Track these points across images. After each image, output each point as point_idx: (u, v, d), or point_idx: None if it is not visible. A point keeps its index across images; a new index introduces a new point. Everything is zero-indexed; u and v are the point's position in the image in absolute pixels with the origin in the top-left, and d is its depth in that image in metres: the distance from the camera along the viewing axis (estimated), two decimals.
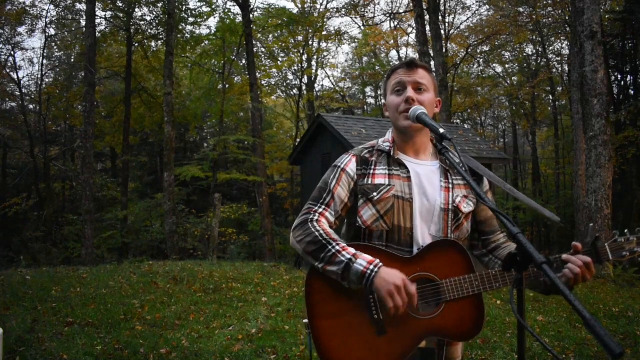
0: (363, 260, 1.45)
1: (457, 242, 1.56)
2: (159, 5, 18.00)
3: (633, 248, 1.53)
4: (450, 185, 1.63)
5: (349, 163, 1.66)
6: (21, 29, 20.96)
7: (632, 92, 17.37)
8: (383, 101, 1.77)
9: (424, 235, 1.59)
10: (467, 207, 1.63)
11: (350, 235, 1.69)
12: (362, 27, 24.30)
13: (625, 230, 1.56)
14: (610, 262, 1.46)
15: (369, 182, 1.61)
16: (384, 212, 1.58)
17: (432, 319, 1.49)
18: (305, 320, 1.59)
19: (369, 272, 1.43)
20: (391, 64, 23.30)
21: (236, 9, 18.67)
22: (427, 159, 1.68)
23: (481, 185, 1.69)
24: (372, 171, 1.63)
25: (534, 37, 22.47)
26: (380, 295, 1.43)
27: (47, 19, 19.58)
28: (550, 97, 24.60)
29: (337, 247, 1.49)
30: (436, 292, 1.50)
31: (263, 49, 21.79)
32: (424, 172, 1.64)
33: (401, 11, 22.86)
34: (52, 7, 20.71)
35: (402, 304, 1.42)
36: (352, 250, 1.49)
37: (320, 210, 1.61)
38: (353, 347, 1.49)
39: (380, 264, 1.45)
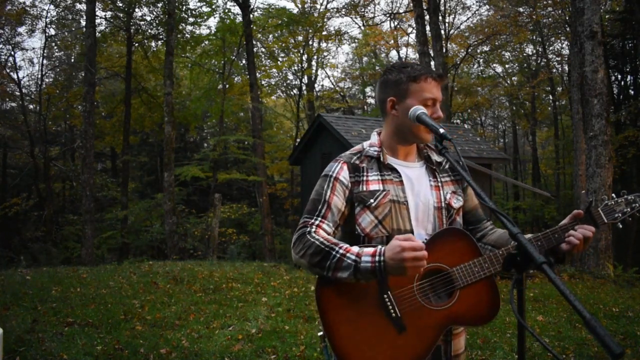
0: (367, 256, 1.42)
1: (459, 228, 1.60)
2: (159, 5, 18.01)
3: (623, 209, 1.60)
4: (440, 184, 1.68)
5: (340, 171, 1.63)
6: (21, 29, 20.88)
7: (632, 92, 17.36)
8: (391, 98, 1.63)
9: (421, 236, 1.61)
10: (457, 202, 1.69)
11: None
12: (362, 27, 24.29)
13: (612, 194, 1.63)
14: (606, 225, 1.58)
15: (364, 189, 1.61)
16: (382, 218, 1.59)
17: (450, 308, 1.51)
18: (320, 333, 1.56)
19: (377, 264, 1.40)
20: (391, 63, 23.22)
21: (236, 9, 18.70)
22: (413, 160, 1.71)
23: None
24: (365, 178, 1.63)
25: (534, 37, 22.49)
26: (402, 274, 1.40)
27: (47, 19, 19.57)
28: (550, 97, 24.62)
29: (341, 251, 1.46)
30: (449, 281, 1.53)
31: (263, 49, 21.78)
32: (414, 174, 1.67)
33: (401, 11, 22.85)
34: (52, 7, 20.78)
35: (424, 262, 1.38)
36: (354, 249, 1.46)
37: (317, 222, 1.58)
38: (377, 349, 1.48)
39: (383, 249, 1.42)
